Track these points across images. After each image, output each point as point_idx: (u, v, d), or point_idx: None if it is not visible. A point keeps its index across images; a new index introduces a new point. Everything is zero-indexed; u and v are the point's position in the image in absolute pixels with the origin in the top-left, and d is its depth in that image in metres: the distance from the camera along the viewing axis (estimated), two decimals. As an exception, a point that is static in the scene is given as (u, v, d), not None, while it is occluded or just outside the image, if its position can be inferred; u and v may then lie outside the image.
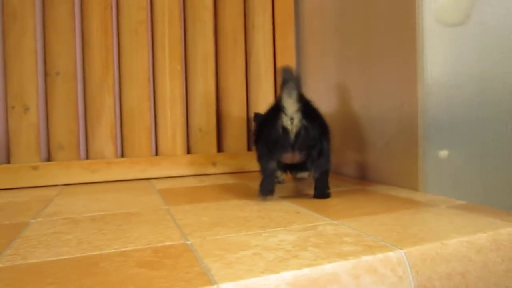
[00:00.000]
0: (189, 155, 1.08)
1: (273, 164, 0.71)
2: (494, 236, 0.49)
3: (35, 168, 0.95)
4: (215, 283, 0.35)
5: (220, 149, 1.14)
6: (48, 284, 0.35)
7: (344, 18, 0.98)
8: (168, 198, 0.76)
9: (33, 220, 0.61)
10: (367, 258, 0.41)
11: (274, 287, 0.36)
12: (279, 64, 1.16)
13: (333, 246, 0.44)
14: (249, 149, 1.15)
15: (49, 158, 1.00)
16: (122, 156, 1.05)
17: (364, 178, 0.93)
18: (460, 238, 0.47)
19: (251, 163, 1.10)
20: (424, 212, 0.59)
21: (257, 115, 0.91)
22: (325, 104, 1.05)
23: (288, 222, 0.55)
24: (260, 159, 0.73)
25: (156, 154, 1.08)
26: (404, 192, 0.75)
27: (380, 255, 0.41)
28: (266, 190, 0.71)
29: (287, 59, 1.17)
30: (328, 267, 0.39)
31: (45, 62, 0.99)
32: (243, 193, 0.79)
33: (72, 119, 1.00)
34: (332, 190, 0.76)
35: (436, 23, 0.73)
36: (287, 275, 0.37)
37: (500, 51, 0.66)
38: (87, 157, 1.03)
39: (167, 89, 1.07)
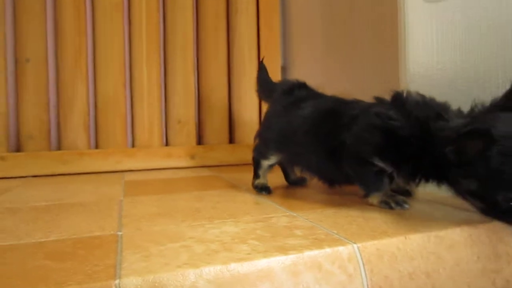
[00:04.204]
0: (166, 147, 1.03)
1: None
2: (470, 231, 0.43)
3: (3, 158, 0.91)
4: (118, 277, 0.30)
5: (200, 141, 1.08)
6: None
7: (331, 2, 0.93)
8: (130, 189, 0.71)
9: (-26, 209, 0.56)
10: (311, 253, 0.35)
11: (190, 284, 0.31)
12: (263, 52, 1.11)
13: (278, 240, 0.38)
14: (230, 141, 1.10)
15: (18, 149, 0.95)
16: (97, 147, 1.01)
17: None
18: (428, 233, 0.41)
19: (232, 156, 1.05)
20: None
21: None
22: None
23: (244, 213, 0.50)
24: None
25: (133, 146, 1.04)
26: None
27: (328, 250, 0.36)
28: None
29: (272, 46, 1.12)
30: (262, 263, 0.33)
31: (15, 49, 0.94)
32: (215, 185, 0.73)
33: (43, 108, 0.96)
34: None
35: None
36: (209, 270, 0.32)
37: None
38: (59, 148, 0.98)
39: (144, 77, 1.02)
